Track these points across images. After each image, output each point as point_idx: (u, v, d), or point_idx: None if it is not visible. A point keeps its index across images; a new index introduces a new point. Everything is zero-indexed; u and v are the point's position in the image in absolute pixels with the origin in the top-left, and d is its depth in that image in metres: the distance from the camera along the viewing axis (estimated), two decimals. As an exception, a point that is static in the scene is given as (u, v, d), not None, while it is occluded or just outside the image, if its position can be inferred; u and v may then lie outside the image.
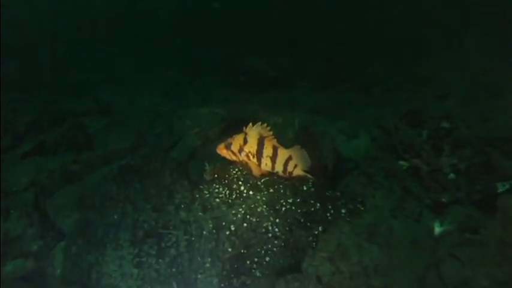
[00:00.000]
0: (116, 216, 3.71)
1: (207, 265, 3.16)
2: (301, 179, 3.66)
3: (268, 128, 3.62)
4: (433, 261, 3.05)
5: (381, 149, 4.95)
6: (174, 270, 3.15)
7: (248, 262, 3.19)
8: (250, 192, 3.49)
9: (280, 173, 3.66)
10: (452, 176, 4.30)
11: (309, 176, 3.63)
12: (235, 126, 6.00)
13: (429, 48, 9.66)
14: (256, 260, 3.20)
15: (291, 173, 3.63)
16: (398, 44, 10.46)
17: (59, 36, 14.50)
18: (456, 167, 4.33)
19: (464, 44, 9.06)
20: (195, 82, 11.59)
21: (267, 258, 3.19)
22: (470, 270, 2.88)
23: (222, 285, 3.09)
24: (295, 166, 3.58)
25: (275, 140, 3.63)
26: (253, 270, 3.17)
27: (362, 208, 3.45)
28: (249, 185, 3.54)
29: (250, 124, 3.64)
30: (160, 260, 3.21)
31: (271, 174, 3.75)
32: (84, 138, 7.48)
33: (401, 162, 4.49)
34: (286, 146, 3.60)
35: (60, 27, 15.16)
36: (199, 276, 3.12)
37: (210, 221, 3.35)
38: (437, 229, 3.54)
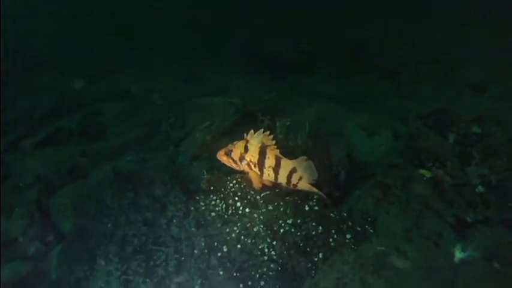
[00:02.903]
0: (109, 225, 3.53)
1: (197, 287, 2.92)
2: (306, 194, 3.32)
3: (271, 137, 3.30)
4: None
5: (401, 154, 4.47)
6: (161, 292, 2.95)
7: (241, 286, 2.93)
8: (247, 210, 3.19)
9: (284, 185, 3.35)
10: (480, 188, 3.82)
11: (314, 190, 3.29)
12: (249, 119, 5.71)
13: (464, 33, 8.73)
14: (250, 283, 2.93)
15: (295, 185, 3.29)
16: (429, 28, 9.56)
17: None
18: (486, 179, 3.83)
19: (503, 30, 8.09)
20: (214, 68, 11.23)
21: (262, 283, 2.92)
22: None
23: (213, 310, 2.86)
24: (300, 179, 3.24)
25: (278, 150, 3.30)
26: (247, 295, 2.91)
27: (371, 231, 3.07)
28: (246, 200, 3.23)
29: (252, 131, 3.32)
30: (147, 279, 3.01)
31: (274, 185, 3.43)
32: (98, 126, 7.40)
33: (422, 171, 4.03)
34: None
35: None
36: (187, 300, 2.90)
37: (202, 239, 3.09)
38: (459, 255, 3.11)
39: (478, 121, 4.20)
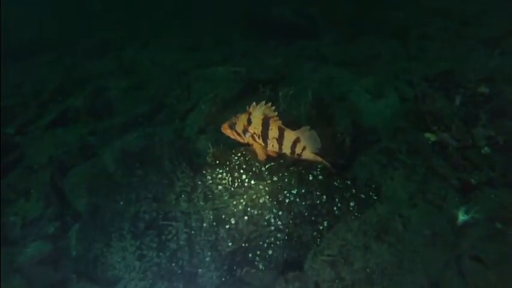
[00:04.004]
0: (121, 203, 3.66)
1: (207, 259, 3.06)
2: (310, 164, 3.36)
3: (273, 108, 3.30)
4: (452, 262, 2.72)
5: (407, 117, 4.43)
6: (173, 264, 3.09)
7: (250, 255, 3.06)
8: (253, 182, 3.25)
9: (289, 155, 3.39)
10: (487, 150, 3.77)
11: (319, 159, 3.32)
12: (253, 88, 5.65)
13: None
14: (258, 253, 3.05)
15: (299, 155, 3.33)
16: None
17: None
18: (493, 140, 3.78)
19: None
20: (216, 36, 10.98)
21: (270, 252, 3.03)
22: (494, 275, 2.54)
23: (223, 279, 3.01)
24: (304, 148, 3.27)
25: (280, 122, 3.31)
26: (256, 263, 3.04)
27: (375, 197, 3.12)
28: (251, 172, 3.29)
29: (254, 103, 3.32)
30: (160, 253, 3.15)
31: (279, 156, 3.47)
32: (105, 103, 7.43)
33: (427, 135, 4.00)
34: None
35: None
36: (199, 270, 3.04)
37: (210, 212, 3.20)
38: (462, 217, 3.14)
39: (487, 80, 4.09)
